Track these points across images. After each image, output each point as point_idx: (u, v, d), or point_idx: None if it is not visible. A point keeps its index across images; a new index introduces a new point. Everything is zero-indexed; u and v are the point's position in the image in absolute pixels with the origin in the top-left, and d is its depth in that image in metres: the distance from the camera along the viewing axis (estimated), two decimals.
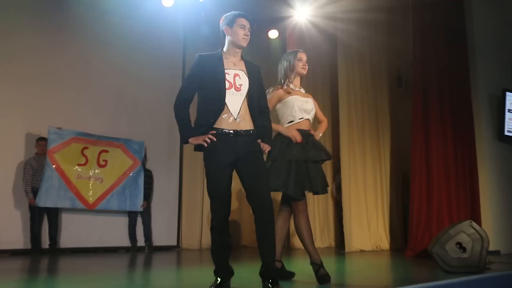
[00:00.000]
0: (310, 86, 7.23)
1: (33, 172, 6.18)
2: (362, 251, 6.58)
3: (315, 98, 7.23)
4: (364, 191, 6.88)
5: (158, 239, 7.11)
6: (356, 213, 6.72)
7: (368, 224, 6.81)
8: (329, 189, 6.99)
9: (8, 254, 5.99)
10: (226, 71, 2.85)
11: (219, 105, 2.79)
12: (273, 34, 7.72)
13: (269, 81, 7.47)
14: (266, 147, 2.95)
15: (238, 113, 2.82)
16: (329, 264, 3.56)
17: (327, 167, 7.58)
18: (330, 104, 7.73)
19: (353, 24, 7.01)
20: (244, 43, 2.92)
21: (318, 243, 7.34)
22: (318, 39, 7.34)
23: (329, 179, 7.59)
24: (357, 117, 7.04)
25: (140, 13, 6.93)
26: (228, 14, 2.98)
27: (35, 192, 6.11)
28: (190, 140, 2.81)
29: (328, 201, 7.67)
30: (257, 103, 2.92)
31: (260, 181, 2.76)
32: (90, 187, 6.56)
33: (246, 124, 2.85)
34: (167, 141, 7.27)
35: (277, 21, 7.49)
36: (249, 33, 2.93)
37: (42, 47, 6.56)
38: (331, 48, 7.31)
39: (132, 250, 6.79)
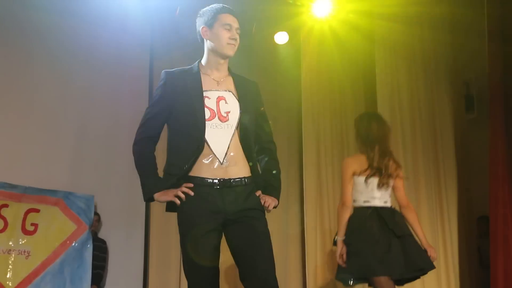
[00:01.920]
0: (336, 104, 6.70)
1: None
2: None
3: (345, 119, 6.63)
4: None
5: None
6: None
7: None
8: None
9: None
10: (205, 93, 2.54)
11: (197, 144, 2.47)
12: (281, 38, 6.64)
13: (278, 105, 6.49)
14: (270, 202, 2.55)
15: (225, 154, 2.49)
16: None
17: None
18: None
19: (399, 21, 6.03)
20: (229, 51, 2.59)
21: None
22: (348, 43, 6.39)
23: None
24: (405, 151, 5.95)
25: (87, 11, 5.90)
26: (206, 8, 2.65)
27: None
28: (156, 195, 2.46)
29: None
30: (254, 137, 2.63)
31: (260, 254, 2.40)
32: (10, 264, 5.33)
33: (238, 170, 2.52)
34: (126, 196, 6.07)
35: (286, 20, 6.48)
36: (237, 36, 2.61)
37: None
38: (366, 55, 6.43)
39: None
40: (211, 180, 2.44)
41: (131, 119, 5.88)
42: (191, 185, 2.43)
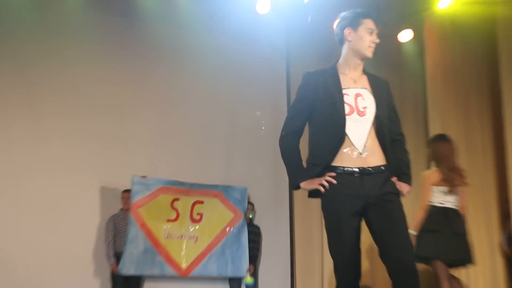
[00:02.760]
0: (460, 97, 6.76)
1: (116, 232, 6.00)
2: None
3: (469, 113, 6.84)
4: None
5: None
6: None
7: None
8: (496, 240, 6.60)
9: None
10: (344, 91, 2.65)
11: (338, 137, 2.60)
12: (405, 36, 6.86)
13: (401, 100, 6.69)
14: (404, 187, 2.68)
15: (364, 145, 2.60)
16: None
17: (491, 211, 6.66)
18: (490, 125, 6.75)
19: None
20: (369, 53, 2.71)
21: None
22: (470, 35, 6.45)
23: (495, 227, 6.78)
24: None
25: (230, 26, 6.62)
26: (348, 12, 2.73)
27: (118, 256, 5.88)
28: (302, 184, 2.64)
29: (496, 257, 6.60)
30: (388, 129, 2.70)
31: (397, 234, 2.53)
32: (183, 248, 6.29)
33: (376, 159, 2.61)
34: (273, 186, 6.86)
35: (410, 18, 6.73)
36: (377, 41, 2.72)
37: (113, 78, 6.51)
38: (489, 45, 6.39)
39: None
40: (351, 169, 2.57)
41: (271, 117, 6.85)
42: (334, 174, 2.57)
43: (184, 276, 6.26)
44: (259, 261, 6.73)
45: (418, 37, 6.83)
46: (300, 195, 6.60)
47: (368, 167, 2.56)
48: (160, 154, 6.59)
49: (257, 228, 6.75)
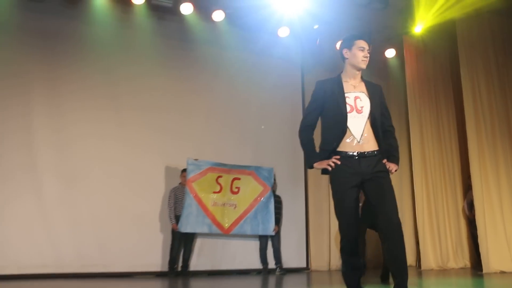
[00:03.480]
0: (432, 98, 7.97)
1: (176, 200, 7.20)
2: (502, 272, 6.73)
3: (440, 110, 7.71)
4: (500, 207, 7.07)
5: (288, 262, 7.85)
6: (493, 231, 6.93)
7: (508, 242, 6.93)
8: (460, 206, 7.39)
9: (153, 275, 7.06)
10: (346, 94, 3.03)
11: (342, 129, 2.98)
12: (389, 53, 8.35)
13: (387, 101, 8.20)
14: (392, 167, 3.06)
15: (361, 135, 2.99)
16: None
17: (456, 184, 7.99)
18: (455, 118, 8.15)
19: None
20: (363, 65, 3.10)
21: (452, 264, 7.70)
22: (439, 50, 7.83)
23: (460, 196, 8.00)
24: (486, 130, 7.29)
25: (258, 45, 7.93)
26: (346, 36, 3.18)
27: (177, 218, 7.10)
28: (315, 164, 3.04)
29: (460, 219, 7.98)
30: (380, 123, 3.06)
31: (386, 200, 2.91)
32: (225, 213, 7.43)
33: (370, 146, 3.00)
34: (292, 166, 8.04)
35: (394, 39, 8.12)
36: (368, 55, 3.11)
37: (173, 83, 7.74)
38: (452, 55, 7.73)
39: (264, 272, 7.53)
40: (351, 153, 2.97)
41: (290, 115, 8.12)
42: (338, 157, 2.97)
43: (226, 233, 7.34)
44: (281, 224, 7.81)
45: (400, 54, 8.23)
46: (313, 173, 7.92)
47: (364, 152, 2.98)
48: (208, 142, 7.69)
49: (280, 198, 7.89)
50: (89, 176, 7.05)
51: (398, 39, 8.15)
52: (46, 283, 5.87)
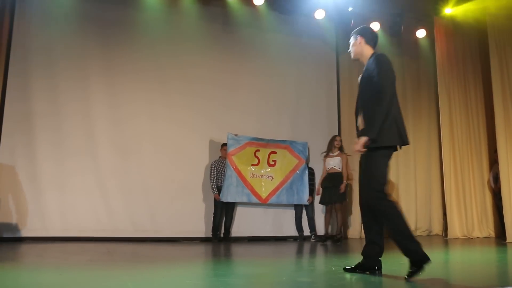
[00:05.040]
0: (461, 76, 8.23)
1: (217, 172, 7.73)
2: None
3: (468, 87, 8.12)
4: None
5: (322, 229, 8.27)
6: None
7: None
8: (486, 179, 7.75)
9: (198, 241, 7.62)
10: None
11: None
12: (420, 33, 8.58)
13: (418, 81, 9.04)
14: (359, 141, 3.25)
15: (357, 119, 3.46)
16: (491, 255, 4.12)
17: (483, 158, 8.34)
18: (482, 95, 8.43)
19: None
20: (352, 56, 3.58)
21: (477, 233, 8.10)
22: (468, 31, 8.03)
23: (485, 170, 8.35)
24: None
25: (295, 27, 8.40)
26: None
27: (219, 189, 7.64)
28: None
29: (485, 192, 8.33)
30: (366, 106, 3.33)
31: (364, 177, 3.35)
32: (263, 184, 7.93)
33: (360, 125, 3.38)
34: (325, 140, 8.21)
35: (424, 20, 8.38)
36: (350, 47, 3.56)
37: (219, 65, 8.23)
38: (481, 35, 7.95)
39: (299, 239, 8.01)
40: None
41: (326, 91, 8.57)
42: None
43: (263, 203, 7.84)
44: (315, 194, 8.07)
45: (430, 34, 8.47)
46: (345, 145, 8.08)
47: (358, 130, 3.40)
48: (246, 118, 8.17)
49: (313, 170, 8.32)
50: (140, 150, 7.70)
51: (429, 20, 8.40)
52: (103, 245, 6.48)
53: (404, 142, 3.26)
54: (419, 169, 9.12)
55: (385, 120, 3.15)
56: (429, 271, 3.19)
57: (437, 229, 9.11)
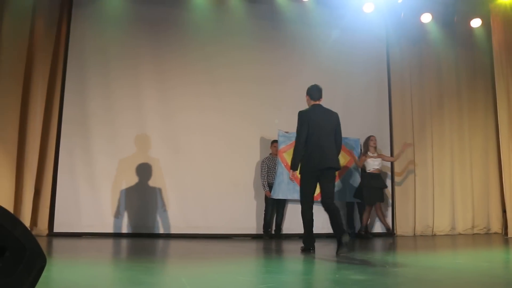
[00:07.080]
0: None
1: (268, 169, 7.78)
2: None
3: None
4: None
5: (374, 227, 8.32)
6: None
7: None
8: None
9: (249, 237, 7.70)
10: None
11: None
12: (475, 23, 8.32)
13: (473, 72, 8.70)
14: None
15: None
16: None
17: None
18: None
19: None
20: None
21: None
22: None
23: None
24: None
25: (344, 21, 8.32)
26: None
27: (270, 186, 7.68)
28: None
29: None
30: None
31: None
32: None
33: None
34: (378, 137, 8.23)
35: (479, 8, 8.14)
36: None
37: (265, 61, 8.27)
38: None
39: (351, 236, 7.74)
40: None
41: (376, 86, 8.47)
42: None
43: (316, 200, 7.42)
44: None
45: (486, 23, 8.20)
46: (397, 143, 8.31)
47: None
48: (296, 115, 7.31)
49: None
50: (191, 145, 7.84)
51: (485, 8, 8.13)
52: (157, 241, 6.67)
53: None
54: (475, 166, 8.82)
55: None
56: (489, 272, 3.11)
57: (496, 227, 8.78)
